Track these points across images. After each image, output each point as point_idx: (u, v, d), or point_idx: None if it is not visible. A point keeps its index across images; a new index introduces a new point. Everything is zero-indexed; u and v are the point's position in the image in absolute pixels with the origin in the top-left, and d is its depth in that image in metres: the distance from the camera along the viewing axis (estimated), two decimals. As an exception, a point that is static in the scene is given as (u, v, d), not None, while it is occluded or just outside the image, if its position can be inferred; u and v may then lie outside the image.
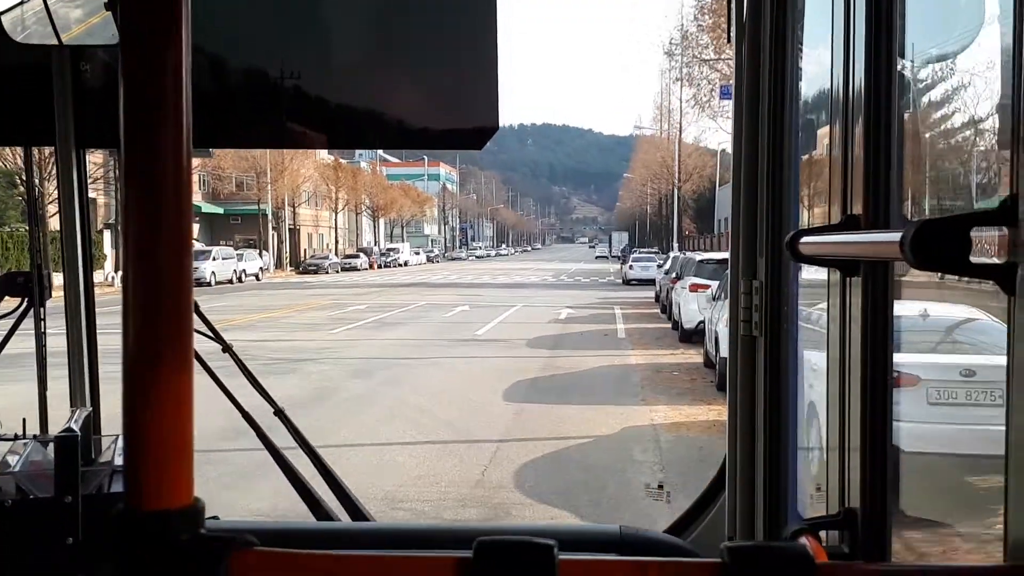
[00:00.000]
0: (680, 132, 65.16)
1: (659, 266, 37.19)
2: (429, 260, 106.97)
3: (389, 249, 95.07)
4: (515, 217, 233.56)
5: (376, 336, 22.13)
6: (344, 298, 36.25)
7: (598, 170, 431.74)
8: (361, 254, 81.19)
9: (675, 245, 55.06)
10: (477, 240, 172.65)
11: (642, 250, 63.08)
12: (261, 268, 56.31)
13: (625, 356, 18.18)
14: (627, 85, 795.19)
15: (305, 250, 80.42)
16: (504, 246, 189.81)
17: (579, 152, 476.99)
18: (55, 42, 2.70)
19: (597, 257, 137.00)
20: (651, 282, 36.85)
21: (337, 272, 67.53)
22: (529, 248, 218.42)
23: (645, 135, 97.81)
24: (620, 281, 48.90)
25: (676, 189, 62.80)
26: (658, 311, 28.32)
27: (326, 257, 70.79)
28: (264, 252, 63.37)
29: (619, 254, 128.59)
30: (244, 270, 51.69)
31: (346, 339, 21.40)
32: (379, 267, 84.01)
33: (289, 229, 74.00)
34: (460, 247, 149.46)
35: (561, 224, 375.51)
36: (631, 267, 47.20)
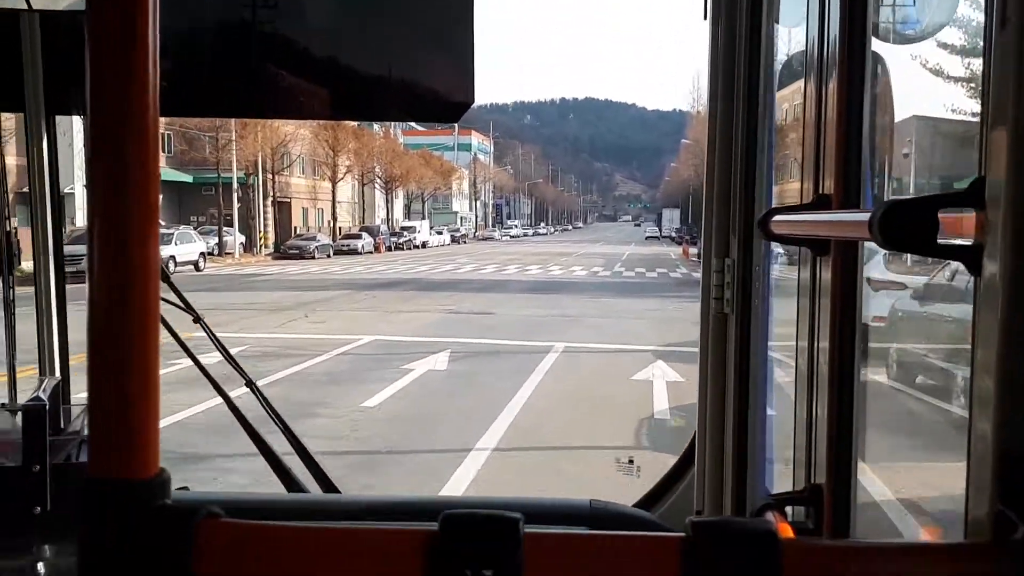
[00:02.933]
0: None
1: None
2: (454, 240, 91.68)
3: (404, 228, 79.85)
4: (555, 193, 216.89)
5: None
6: (238, 317, 20.74)
7: (642, 146, 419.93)
8: (364, 234, 66.03)
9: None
10: (513, 217, 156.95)
11: None
12: (203, 253, 41.23)
13: None
14: (672, 58, 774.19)
15: (297, 228, 65.40)
16: (543, 224, 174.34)
17: (622, 127, 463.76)
18: (24, 6, 2.69)
19: (647, 238, 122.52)
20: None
21: (328, 256, 52.79)
22: (570, 227, 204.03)
23: (700, 110, 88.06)
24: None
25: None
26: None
27: (313, 238, 55.75)
28: (228, 231, 48.54)
29: (674, 234, 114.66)
30: (172, 257, 36.35)
31: None
32: (390, 249, 69.31)
33: (276, 202, 58.94)
34: (494, 225, 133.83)
35: (603, 201, 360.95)
36: None
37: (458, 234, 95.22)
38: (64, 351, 3.10)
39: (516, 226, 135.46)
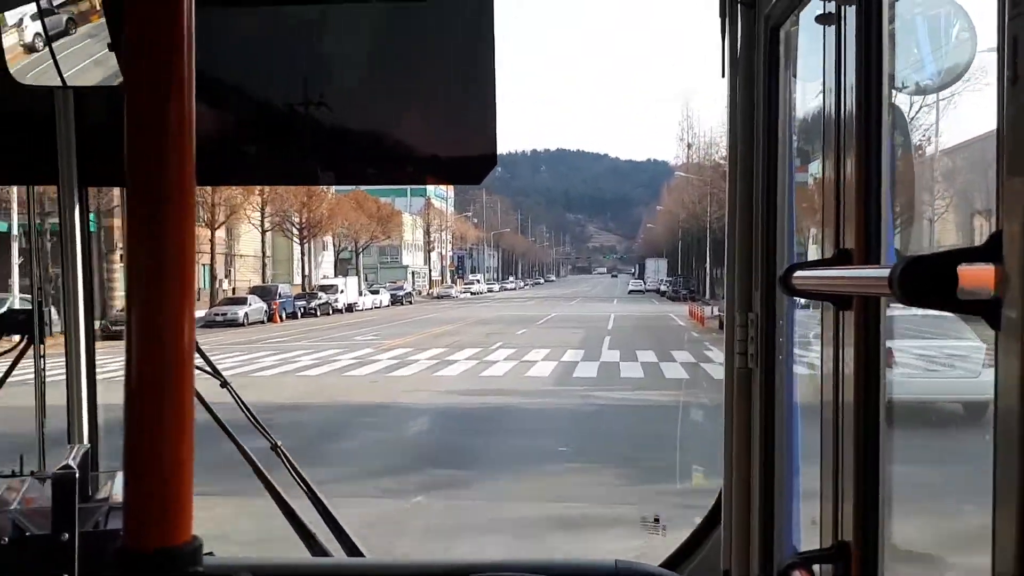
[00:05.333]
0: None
1: None
2: (395, 301, 74.01)
3: (323, 287, 62.13)
4: (525, 244, 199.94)
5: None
6: None
7: (616, 196, 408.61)
8: (253, 298, 48.36)
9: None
10: (478, 271, 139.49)
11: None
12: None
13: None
14: (643, 109, 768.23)
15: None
16: (511, 278, 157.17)
17: (595, 178, 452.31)
18: (59, 83, 2.74)
19: (631, 292, 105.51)
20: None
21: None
22: (542, 280, 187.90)
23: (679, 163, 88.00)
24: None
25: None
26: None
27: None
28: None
29: (663, 287, 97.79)
30: None
31: None
32: (294, 316, 51.91)
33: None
34: (453, 280, 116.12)
35: (577, 253, 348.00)
36: None
37: (400, 293, 77.42)
38: (93, 418, 3.09)
39: (478, 281, 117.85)
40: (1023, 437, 0.83)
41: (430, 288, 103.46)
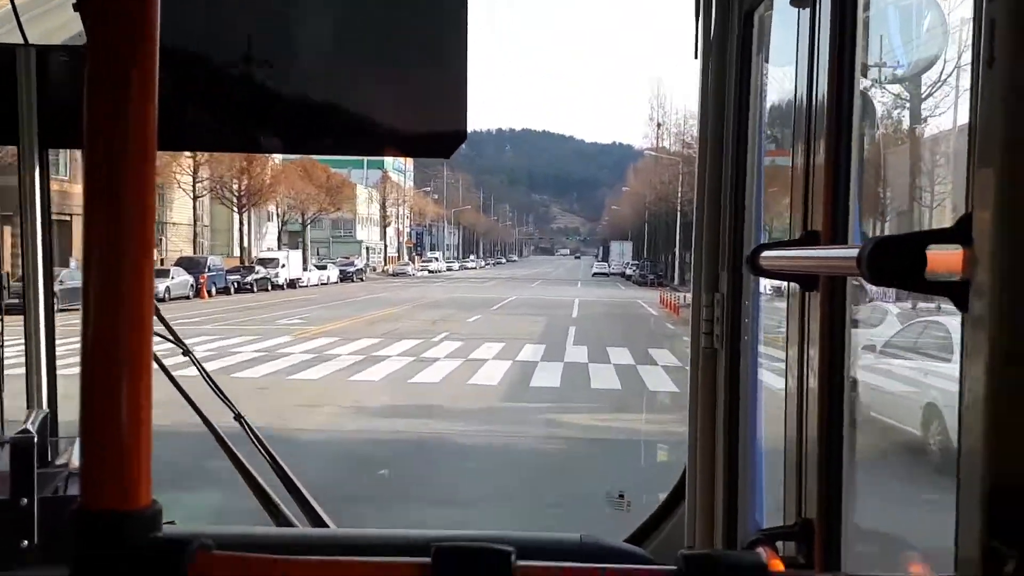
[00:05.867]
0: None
1: None
2: (344, 278, 68.86)
3: (262, 260, 56.89)
4: (487, 223, 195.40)
5: None
6: None
7: (581, 178, 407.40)
8: (177, 270, 43.35)
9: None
10: (438, 248, 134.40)
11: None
12: None
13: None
14: (610, 91, 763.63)
15: (79, 260, 41.80)
16: (472, 257, 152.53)
17: (560, 160, 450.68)
18: (20, 41, 2.72)
19: (595, 275, 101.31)
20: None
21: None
22: (503, 260, 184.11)
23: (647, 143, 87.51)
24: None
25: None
26: None
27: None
28: None
29: (629, 271, 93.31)
30: None
31: None
32: (226, 291, 47.02)
33: (56, 219, 35.31)
34: (410, 258, 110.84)
35: (540, 234, 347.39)
36: None
37: (351, 269, 72.11)
38: (52, 384, 3.04)
39: (436, 259, 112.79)
40: (987, 416, 0.84)
41: (385, 265, 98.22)
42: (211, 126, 2.86)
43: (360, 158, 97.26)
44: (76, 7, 2.19)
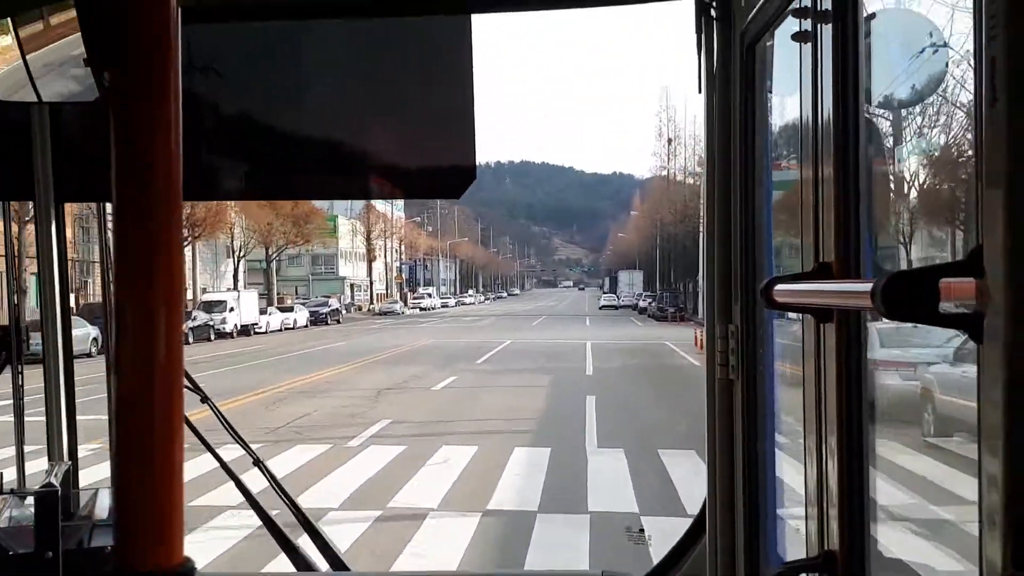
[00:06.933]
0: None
1: None
2: (316, 321, 59.46)
3: (207, 302, 47.67)
4: (486, 255, 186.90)
5: None
6: None
7: (581, 209, 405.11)
8: (75, 320, 32.60)
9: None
10: (434, 283, 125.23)
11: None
12: None
13: None
14: (609, 122, 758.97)
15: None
16: (470, 291, 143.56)
17: (560, 191, 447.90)
18: (34, 99, 2.71)
19: (603, 307, 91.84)
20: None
21: None
22: (504, 293, 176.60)
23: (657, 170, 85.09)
24: None
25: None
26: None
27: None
28: None
29: (642, 303, 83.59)
30: None
31: None
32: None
33: None
34: (402, 294, 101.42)
35: (542, 266, 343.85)
36: None
37: (324, 310, 62.59)
38: (72, 435, 3.09)
39: (429, 294, 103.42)
40: (1006, 447, 0.85)
41: (372, 303, 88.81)
42: (228, 175, 2.91)
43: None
44: (87, 62, 2.17)
